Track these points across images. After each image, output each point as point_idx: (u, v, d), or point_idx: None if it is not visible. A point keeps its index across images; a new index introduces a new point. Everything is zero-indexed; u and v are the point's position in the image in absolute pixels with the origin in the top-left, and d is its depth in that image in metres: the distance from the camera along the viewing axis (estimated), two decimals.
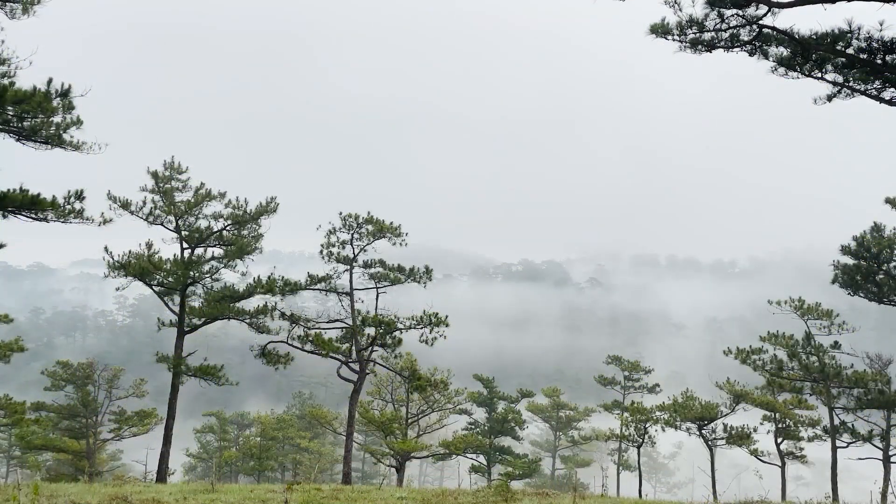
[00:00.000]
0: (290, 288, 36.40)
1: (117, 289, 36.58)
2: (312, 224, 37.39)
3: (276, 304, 36.35)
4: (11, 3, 20.49)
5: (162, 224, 35.30)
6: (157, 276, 34.36)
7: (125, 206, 33.84)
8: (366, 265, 38.02)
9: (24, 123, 21.90)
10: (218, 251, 35.99)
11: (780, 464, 42.46)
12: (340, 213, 37.26)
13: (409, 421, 49.42)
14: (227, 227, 36.03)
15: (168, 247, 35.41)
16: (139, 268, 33.33)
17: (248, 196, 36.04)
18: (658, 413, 44.95)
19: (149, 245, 34.40)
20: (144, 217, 34.58)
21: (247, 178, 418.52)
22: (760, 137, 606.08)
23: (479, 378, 57.59)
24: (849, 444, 39.42)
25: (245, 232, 36.13)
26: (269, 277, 35.91)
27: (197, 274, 35.37)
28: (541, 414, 69.43)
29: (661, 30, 14.96)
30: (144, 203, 34.49)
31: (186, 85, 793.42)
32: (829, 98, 15.69)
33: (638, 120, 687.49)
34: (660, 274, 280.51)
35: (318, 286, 37.58)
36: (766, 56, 15.28)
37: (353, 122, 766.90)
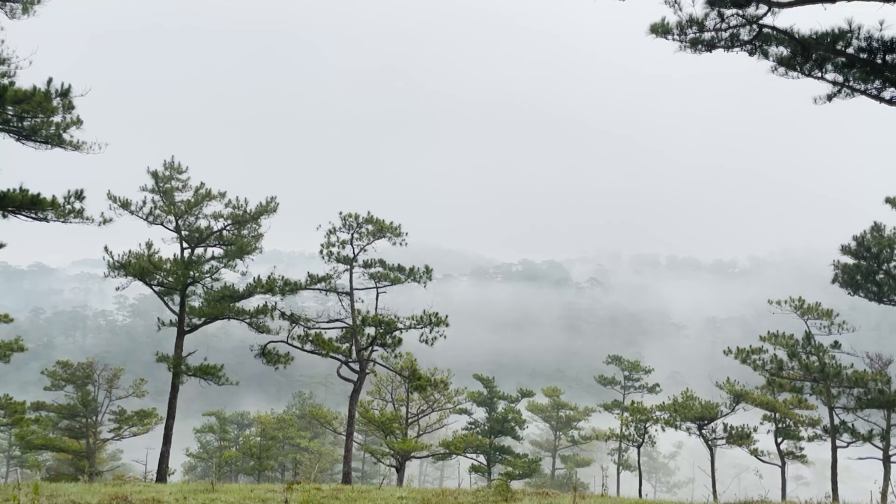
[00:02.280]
0: (290, 288, 36.41)
1: (117, 289, 36.60)
2: (312, 224, 37.39)
3: (276, 304, 36.37)
4: (11, 3, 20.50)
5: (162, 224, 35.31)
6: (157, 276, 34.37)
7: (125, 205, 33.85)
8: (366, 265, 38.02)
9: (24, 123, 21.91)
10: (218, 251, 36.00)
11: (780, 464, 42.47)
12: (340, 213, 37.28)
13: (409, 421, 49.41)
14: (227, 227, 36.04)
15: (168, 247, 35.46)
16: (139, 268, 33.33)
17: (248, 196, 36.09)
18: (658, 413, 44.95)
19: (149, 245, 34.41)
20: (144, 217, 34.60)
21: (247, 177, 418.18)
22: (761, 136, 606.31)
23: (479, 378, 57.60)
24: (849, 443, 39.41)
25: (245, 232, 36.14)
26: (269, 277, 35.93)
27: (197, 274, 35.38)
28: (541, 414, 69.42)
29: (661, 29, 14.97)
30: (144, 203, 34.50)
31: (187, 84, 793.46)
32: (829, 98, 15.70)
33: (638, 120, 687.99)
34: (660, 274, 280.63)
35: (318, 286, 37.59)
36: (766, 56, 15.30)
37: (353, 121, 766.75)
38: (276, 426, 65.37)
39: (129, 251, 33.89)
